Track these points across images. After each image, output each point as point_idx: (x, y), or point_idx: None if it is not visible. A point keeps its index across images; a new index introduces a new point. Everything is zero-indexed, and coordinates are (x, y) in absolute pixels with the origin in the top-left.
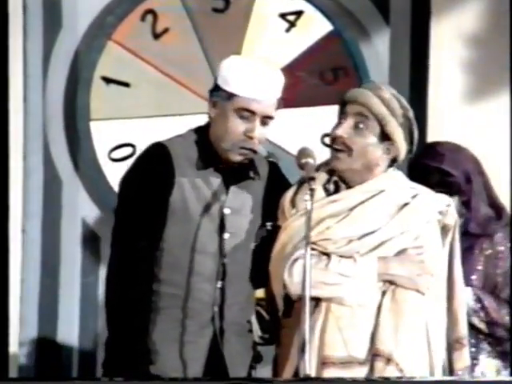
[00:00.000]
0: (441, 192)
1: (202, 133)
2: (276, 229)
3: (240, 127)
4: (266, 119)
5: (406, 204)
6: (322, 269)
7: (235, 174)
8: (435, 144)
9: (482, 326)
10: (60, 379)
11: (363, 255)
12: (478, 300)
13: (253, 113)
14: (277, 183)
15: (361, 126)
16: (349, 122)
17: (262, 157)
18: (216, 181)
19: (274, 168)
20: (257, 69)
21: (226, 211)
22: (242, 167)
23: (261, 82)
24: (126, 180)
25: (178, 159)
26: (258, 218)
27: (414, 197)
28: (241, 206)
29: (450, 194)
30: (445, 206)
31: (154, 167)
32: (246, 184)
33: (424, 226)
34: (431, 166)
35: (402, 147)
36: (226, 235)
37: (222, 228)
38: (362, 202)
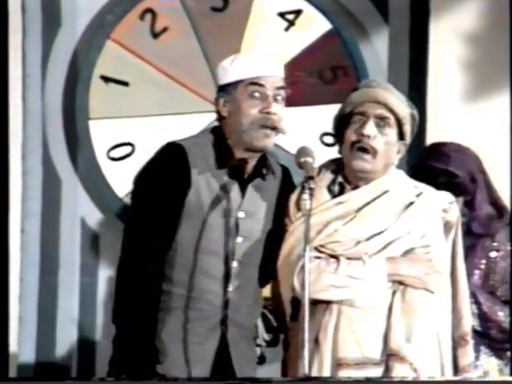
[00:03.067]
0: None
1: (217, 133)
2: (277, 231)
3: (254, 107)
4: (278, 94)
5: (411, 203)
6: (331, 272)
7: (251, 176)
8: (439, 145)
9: (476, 324)
10: (59, 379)
11: (371, 256)
12: (472, 295)
13: (262, 86)
14: (288, 189)
15: (384, 125)
16: (372, 121)
17: (275, 160)
18: (231, 183)
19: (286, 173)
20: (252, 54)
21: (241, 215)
22: (257, 169)
23: (259, 61)
24: (141, 179)
25: (194, 160)
26: (270, 222)
27: (418, 195)
28: (255, 209)
29: (456, 194)
30: (448, 204)
31: (169, 167)
32: (262, 188)
33: (429, 224)
34: (437, 167)
35: (407, 146)
36: (239, 239)
37: (235, 231)
38: (368, 203)
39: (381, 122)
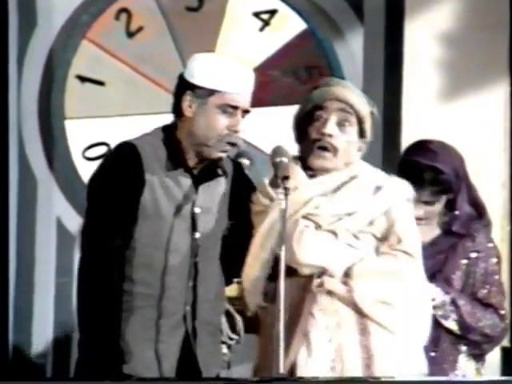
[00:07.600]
0: (433, 190)
1: (169, 132)
2: (236, 227)
3: (223, 122)
4: (245, 113)
5: (379, 187)
6: (316, 236)
7: (203, 173)
8: (425, 142)
9: (456, 329)
10: (34, 379)
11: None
12: (453, 303)
13: (236, 107)
14: (240, 182)
15: (345, 123)
16: (333, 120)
17: (226, 156)
18: (185, 180)
19: (237, 167)
20: (231, 64)
21: (197, 210)
22: (210, 166)
23: (240, 76)
24: (96, 180)
25: (148, 158)
26: (226, 217)
27: (385, 180)
28: (210, 204)
29: (441, 191)
30: (411, 194)
31: (123, 167)
32: (214, 183)
33: (397, 206)
34: (423, 163)
35: (367, 144)
36: (197, 234)
37: (193, 227)
38: (341, 185)
39: (342, 120)
